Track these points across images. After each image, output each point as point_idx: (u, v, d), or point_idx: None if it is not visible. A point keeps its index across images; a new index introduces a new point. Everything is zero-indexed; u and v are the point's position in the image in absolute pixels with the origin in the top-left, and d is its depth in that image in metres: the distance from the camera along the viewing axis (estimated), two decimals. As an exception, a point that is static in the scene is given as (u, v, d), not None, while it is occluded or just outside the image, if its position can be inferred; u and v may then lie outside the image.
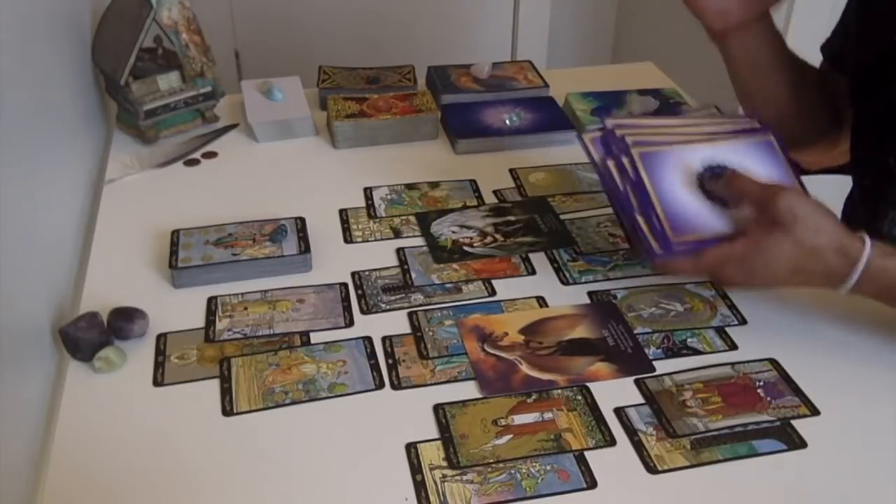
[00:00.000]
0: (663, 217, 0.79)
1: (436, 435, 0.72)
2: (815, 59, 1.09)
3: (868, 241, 0.76)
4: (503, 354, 0.80)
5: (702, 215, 0.81)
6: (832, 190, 0.99)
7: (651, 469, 0.69)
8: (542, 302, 0.88)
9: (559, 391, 0.76)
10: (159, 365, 0.79)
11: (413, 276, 0.91)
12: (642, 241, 0.81)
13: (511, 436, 0.72)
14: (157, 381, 0.77)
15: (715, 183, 0.81)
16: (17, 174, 0.79)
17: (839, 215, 1.00)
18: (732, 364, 0.80)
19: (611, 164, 0.83)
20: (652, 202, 0.80)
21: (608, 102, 1.24)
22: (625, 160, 0.82)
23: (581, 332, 0.83)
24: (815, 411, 0.75)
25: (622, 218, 0.82)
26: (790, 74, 1.01)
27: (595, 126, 0.84)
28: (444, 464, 0.69)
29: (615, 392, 0.77)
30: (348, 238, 0.98)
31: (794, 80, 1.01)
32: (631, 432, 0.72)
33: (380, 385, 0.77)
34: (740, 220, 0.79)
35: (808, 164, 1.05)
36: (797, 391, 0.77)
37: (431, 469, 0.69)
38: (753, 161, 0.84)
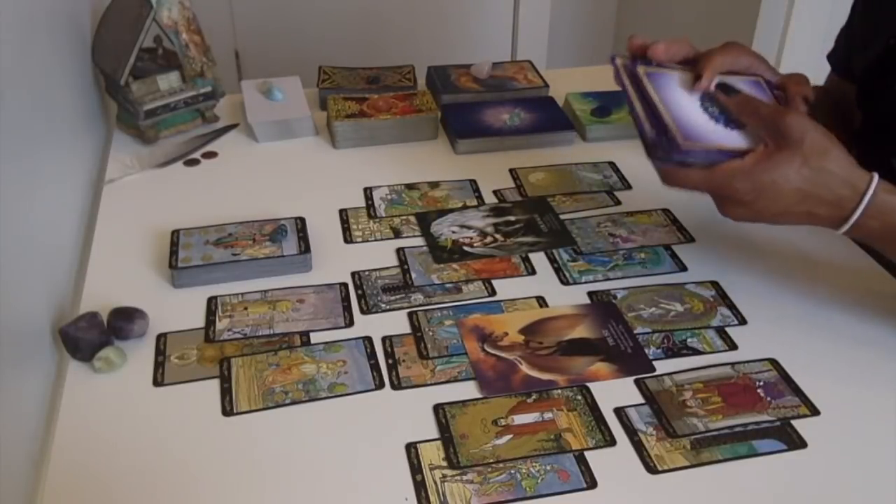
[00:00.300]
0: (672, 124, 0.80)
1: (436, 435, 0.72)
2: (815, 60, 1.09)
3: (875, 174, 0.76)
4: (503, 354, 0.80)
5: (710, 128, 0.81)
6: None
7: (651, 469, 0.69)
8: (542, 302, 0.88)
9: (559, 391, 0.76)
10: (159, 365, 0.79)
11: (413, 276, 0.91)
12: (658, 146, 0.81)
13: (511, 436, 0.72)
14: (157, 381, 0.77)
15: (726, 97, 0.81)
16: (17, 174, 0.79)
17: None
18: (732, 364, 0.80)
19: (640, 70, 0.84)
20: (661, 113, 0.80)
21: (608, 102, 1.24)
22: (640, 68, 0.84)
23: (581, 332, 0.83)
24: (815, 411, 0.75)
25: (640, 129, 0.82)
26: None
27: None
28: (444, 464, 0.69)
29: (615, 392, 0.77)
30: (348, 238, 0.98)
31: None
32: (631, 432, 0.72)
33: (380, 385, 0.77)
34: (750, 135, 0.80)
35: None
36: (797, 391, 0.77)
37: (431, 469, 0.69)
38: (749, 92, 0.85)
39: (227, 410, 0.74)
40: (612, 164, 1.14)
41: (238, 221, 0.97)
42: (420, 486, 0.67)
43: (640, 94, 0.83)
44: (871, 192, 0.75)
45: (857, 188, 0.75)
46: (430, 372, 0.78)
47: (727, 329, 0.84)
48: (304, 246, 0.92)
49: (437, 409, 0.74)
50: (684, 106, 0.82)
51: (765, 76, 0.87)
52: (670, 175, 0.81)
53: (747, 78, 0.86)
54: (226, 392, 0.76)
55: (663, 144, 0.80)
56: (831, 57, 1.09)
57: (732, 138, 0.80)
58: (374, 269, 0.92)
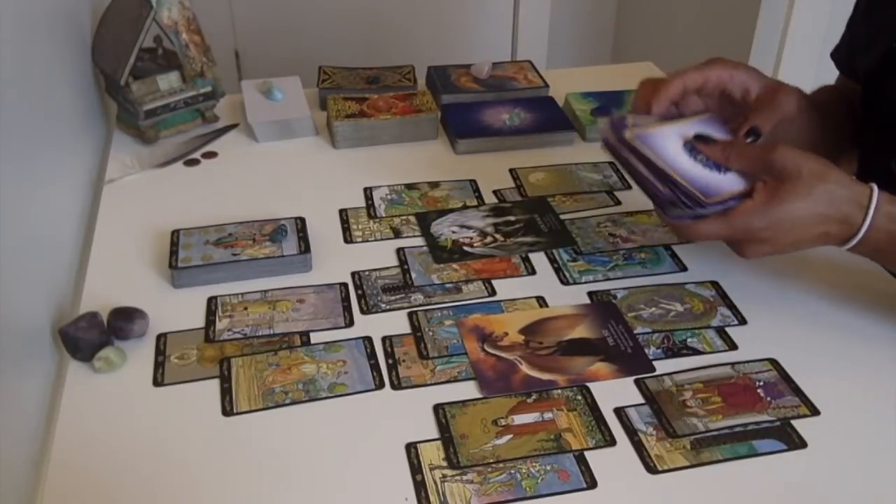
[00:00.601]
0: (687, 183, 0.80)
1: (436, 435, 0.72)
2: (815, 60, 1.09)
3: (875, 187, 0.77)
4: (503, 354, 0.80)
5: (713, 177, 0.81)
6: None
7: (651, 469, 0.69)
8: (542, 302, 0.88)
9: (559, 391, 0.76)
10: (159, 365, 0.79)
11: (413, 276, 0.91)
12: (676, 204, 0.81)
13: (511, 436, 0.72)
14: (157, 381, 0.77)
15: (708, 148, 0.82)
16: (17, 174, 0.79)
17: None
18: (732, 364, 0.80)
19: (628, 135, 0.83)
20: (671, 176, 0.80)
21: (608, 102, 1.24)
22: (627, 133, 0.83)
23: (581, 332, 0.83)
24: (815, 411, 0.75)
25: (648, 193, 0.82)
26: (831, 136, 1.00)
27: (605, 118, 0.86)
28: (444, 464, 0.69)
29: (615, 392, 0.77)
30: (348, 238, 0.98)
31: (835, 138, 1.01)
32: (631, 432, 0.72)
33: (380, 385, 0.77)
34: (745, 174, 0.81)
35: None
36: (797, 391, 0.77)
37: (431, 469, 0.69)
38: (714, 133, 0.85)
39: (227, 410, 0.74)
40: (611, 164, 1.14)
41: (238, 221, 0.97)
42: (420, 486, 0.67)
43: (640, 158, 0.82)
44: (874, 204, 0.76)
45: (861, 203, 0.76)
46: (430, 372, 0.78)
47: (727, 329, 0.84)
48: (304, 246, 0.92)
49: (437, 409, 0.74)
50: (677, 159, 0.82)
51: (751, 87, 0.87)
52: (689, 231, 0.81)
53: (699, 118, 0.86)
54: (226, 392, 0.76)
55: (683, 201, 0.80)
56: (835, 55, 1.09)
57: (734, 181, 0.81)
58: (374, 269, 0.92)
